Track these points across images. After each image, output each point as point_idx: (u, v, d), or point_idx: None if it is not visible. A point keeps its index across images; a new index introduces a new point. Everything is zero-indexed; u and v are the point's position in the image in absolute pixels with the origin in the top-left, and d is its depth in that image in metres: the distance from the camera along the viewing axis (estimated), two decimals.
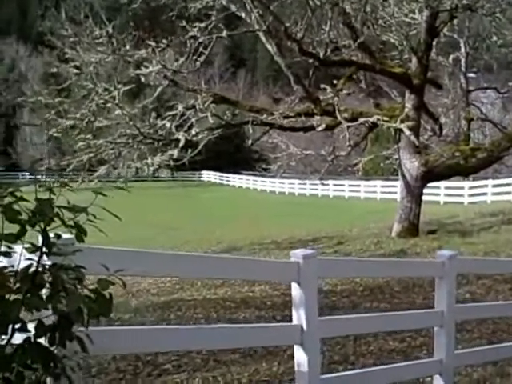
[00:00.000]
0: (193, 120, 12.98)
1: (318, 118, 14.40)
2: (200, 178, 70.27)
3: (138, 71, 13.33)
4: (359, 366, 6.46)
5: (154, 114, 13.07)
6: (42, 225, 2.26)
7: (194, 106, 12.95)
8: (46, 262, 2.46)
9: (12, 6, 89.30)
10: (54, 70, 15.38)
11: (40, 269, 2.36)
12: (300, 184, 45.02)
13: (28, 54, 78.75)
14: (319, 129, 14.13)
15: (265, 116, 13.61)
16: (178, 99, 15.34)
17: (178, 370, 6.76)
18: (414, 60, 14.88)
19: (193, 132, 12.46)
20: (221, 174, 64.44)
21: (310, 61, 14.95)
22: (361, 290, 10.81)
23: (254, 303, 10.22)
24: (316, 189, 43.54)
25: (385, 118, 12.57)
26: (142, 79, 14.04)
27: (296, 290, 4.00)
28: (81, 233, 2.33)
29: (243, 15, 14.96)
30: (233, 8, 15.01)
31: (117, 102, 12.28)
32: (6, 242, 2.26)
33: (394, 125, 12.76)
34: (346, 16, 13.59)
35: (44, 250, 2.37)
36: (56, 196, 2.38)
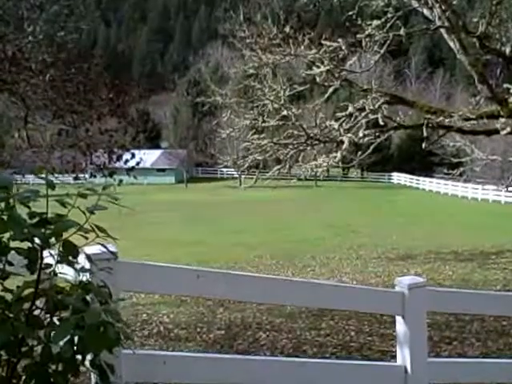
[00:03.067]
0: (362, 122, 12.45)
1: (503, 120, 13.11)
2: (390, 179, 68.68)
3: (309, 71, 13.12)
4: None
5: (321, 115, 12.77)
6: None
7: (363, 108, 12.40)
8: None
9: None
10: (234, 70, 15.71)
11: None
12: (495, 190, 42.05)
13: (231, 56, 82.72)
14: (503, 132, 12.86)
15: (441, 118, 12.66)
16: (354, 100, 14.86)
17: None
18: None
19: (360, 134, 11.94)
20: (411, 177, 62.31)
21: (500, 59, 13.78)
22: None
23: None
24: None
25: None
26: (317, 79, 13.84)
27: (400, 325, 3.45)
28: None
29: (425, 11, 14.16)
30: (414, 4, 14.27)
31: (282, 102, 12.16)
32: None
33: None
34: None
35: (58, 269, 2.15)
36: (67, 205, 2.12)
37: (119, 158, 8.58)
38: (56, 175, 10.34)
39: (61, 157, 8.74)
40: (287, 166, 13.01)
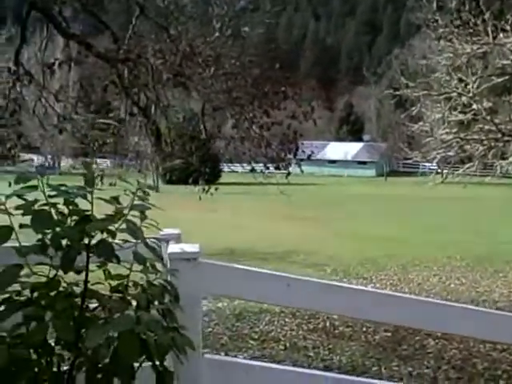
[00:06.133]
0: None
1: None
2: None
3: (505, 61, 12.10)
4: None
5: None
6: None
7: None
8: None
9: None
10: (424, 61, 15.02)
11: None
12: None
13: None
14: None
15: None
16: None
17: None
18: None
19: None
20: None
21: None
22: None
23: None
24: None
25: None
26: None
27: None
28: None
29: None
30: None
31: (471, 95, 11.33)
32: None
33: None
34: None
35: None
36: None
37: (290, 151, 8.59)
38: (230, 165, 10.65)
39: (235, 148, 8.98)
40: (476, 164, 12.14)
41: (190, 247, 2.53)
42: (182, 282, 2.43)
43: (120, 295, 2.20)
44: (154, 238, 2.38)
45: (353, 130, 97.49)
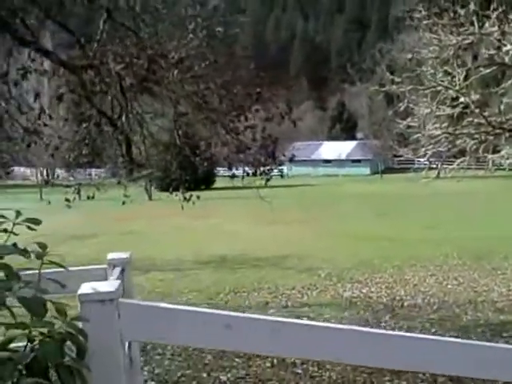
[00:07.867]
0: None
1: None
2: None
3: (492, 51, 11.68)
4: None
5: (505, 100, 11.28)
6: None
7: None
8: None
9: None
10: (410, 55, 14.58)
11: None
12: None
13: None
14: None
15: None
16: None
17: None
18: None
19: None
20: None
21: None
22: None
23: None
24: None
25: None
26: (506, 59, 12.36)
27: None
28: None
29: None
30: None
31: (457, 88, 10.91)
32: None
33: None
34: None
35: None
36: None
37: (269, 155, 8.17)
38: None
39: (213, 154, 8.56)
40: (468, 158, 11.72)
41: (106, 286, 2.08)
42: (95, 330, 1.98)
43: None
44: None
45: (346, 127, 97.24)
